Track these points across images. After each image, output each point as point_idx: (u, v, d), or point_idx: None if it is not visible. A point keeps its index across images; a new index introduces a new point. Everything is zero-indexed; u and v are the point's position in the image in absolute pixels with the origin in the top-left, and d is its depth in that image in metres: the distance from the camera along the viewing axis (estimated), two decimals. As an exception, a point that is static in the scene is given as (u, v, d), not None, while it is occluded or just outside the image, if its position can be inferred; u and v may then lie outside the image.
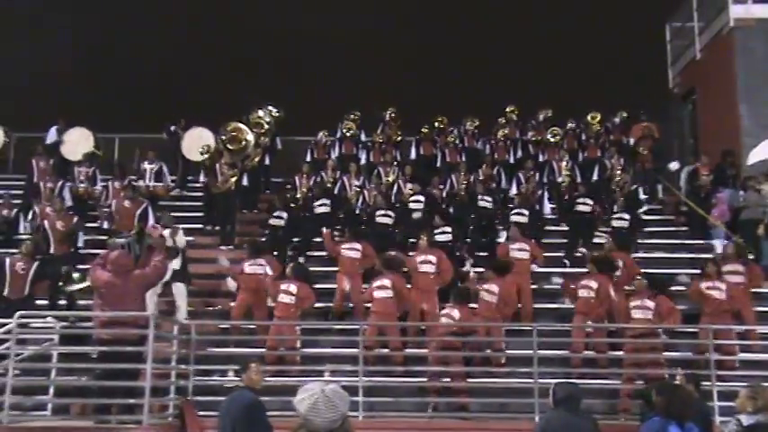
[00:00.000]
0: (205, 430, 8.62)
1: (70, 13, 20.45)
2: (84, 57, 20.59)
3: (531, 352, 9.18)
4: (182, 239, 11.54)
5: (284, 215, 13.30)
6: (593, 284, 10.40)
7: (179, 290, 11.07)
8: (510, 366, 9.83)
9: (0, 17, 19.97)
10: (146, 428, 7.93)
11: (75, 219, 12.59)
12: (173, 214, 14.32)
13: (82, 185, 14.63)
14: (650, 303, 9.93)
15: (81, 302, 10.60)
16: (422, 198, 13.86)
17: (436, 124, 16.66)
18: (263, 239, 13.08)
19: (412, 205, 13.77)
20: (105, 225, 13.33)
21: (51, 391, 8.89)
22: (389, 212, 13.33)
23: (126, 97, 19.47)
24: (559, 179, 14.94)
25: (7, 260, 10.69)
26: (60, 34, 20.39)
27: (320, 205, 13.91)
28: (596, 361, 10.00)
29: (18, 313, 8.69)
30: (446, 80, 21.25)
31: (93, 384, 8.83)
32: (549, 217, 14.38)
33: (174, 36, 20.26)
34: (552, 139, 15.88)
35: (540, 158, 15.99)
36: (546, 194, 14.47)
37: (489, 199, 13.75)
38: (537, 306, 11.51)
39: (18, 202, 13.94)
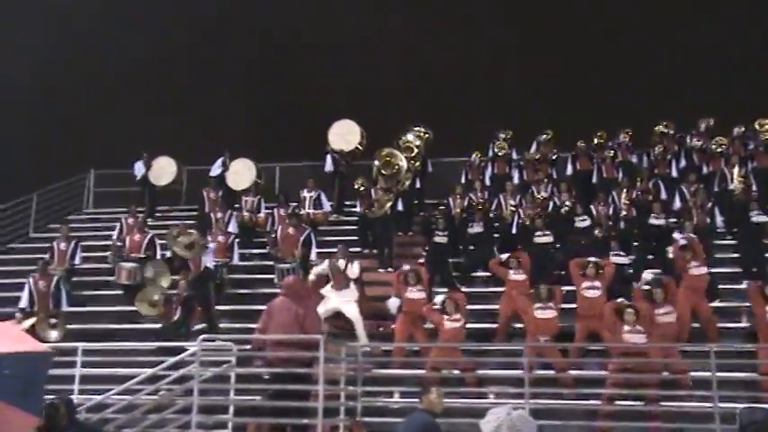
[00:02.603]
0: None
1: (231, 49, 21.77)
2: (244, 88, 21.79)
3: (709, 374, 8.68)
4: (354, 270, 11.96)
5: (446, 233, 13.41)
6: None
7: (354, 316, 11.42)
8: (687, 390, 9.33)
9: (163, 51, 21.54)
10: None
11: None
12: (330, 239, 14.96)
13: (247, 214, 15.50)
14: None
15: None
16: (586, 217, 13.60)
17: (595, 140, 16.17)
18: (425, 257, 13.35)
19: (579, 224, 13.52)
20: (272, 251, 13.96)
21: (231, 410, 9.39)
22: (547, 232, 13.14)
23: (286, 127, 20.39)
24: (731, 186, 14.07)
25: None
26: (219, 65, 21.73)
27: (474, 226, 13.95)
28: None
29: (201, 336, 9.31)
30: (597, 92, 20.65)
31: (266, 404, 9.28)
32: (720, 230, 13.56)
33: (330, 63, 21.03)
34: (717, 149, 14.96)
35: (705, 170, 15.13)
36: (717, 207, 13.59)
37: (662, 216, 13.17)
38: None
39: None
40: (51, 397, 7.69)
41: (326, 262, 12.10)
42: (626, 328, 9.82)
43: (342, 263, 11.94)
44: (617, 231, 12.96)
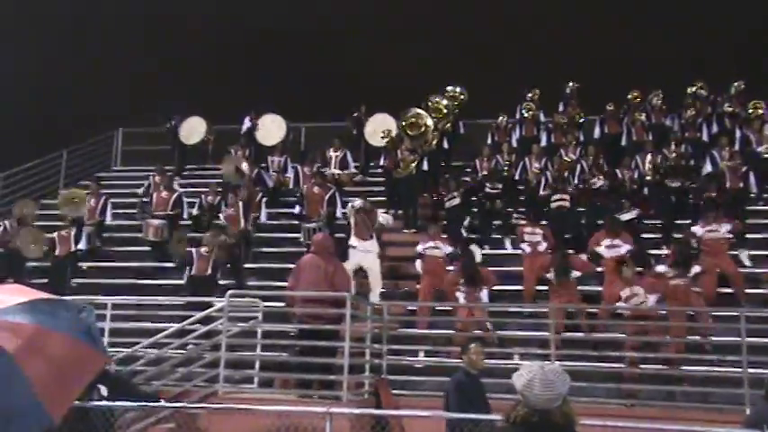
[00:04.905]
0: (399, 408, 8.83)
1: (261, 10, 21.60)
2: (271, 47, 21.64)
3: (739, 339, 8.60)
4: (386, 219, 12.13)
5: (457, 196, 13.32)
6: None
7: (374, 273, 11.43)
8: (716, 354, 9.26)
9: (192, 11, 21.41)
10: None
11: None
12: (355, 199, 14.91)
13: (274, 174, 15.51)
14: None
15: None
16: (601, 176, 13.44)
17: (630, 98, 15.89)
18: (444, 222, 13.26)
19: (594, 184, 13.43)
20: (296, 210, 13.98)
21: (257, 365, 9.49)
22: (564, 195, 13.01)
23: (311, 87, 20.28)
24: (759, 149, 13.80)
25: (194, 250, 11.88)
26: (246, 25, 21.57)
27: (492, 187, 13.83)
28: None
29: (229, 292, 9.39)
30: (627, 55, 20.28)
31: (293, 360, 9.39)
32: (753, 194, 13.37)
33: (358, 25, 20.79)
34: (752, 112, 14.62)
35: (738, 134, 14.84)
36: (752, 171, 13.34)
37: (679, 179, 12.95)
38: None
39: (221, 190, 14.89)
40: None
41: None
42: (625, 293, 9.75)
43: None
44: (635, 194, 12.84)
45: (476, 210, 13.81)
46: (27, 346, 2.75)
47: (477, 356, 6.87)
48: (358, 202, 12.00)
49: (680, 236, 11.61)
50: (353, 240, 11.68)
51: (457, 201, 13.27)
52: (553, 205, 12.92)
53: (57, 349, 2.82)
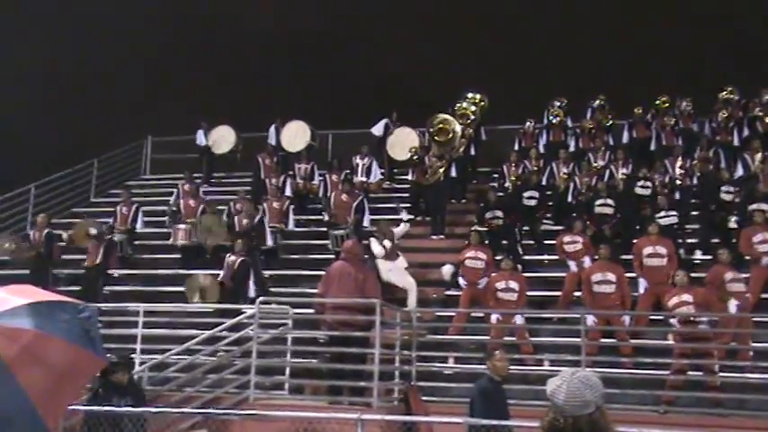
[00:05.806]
0: (429, 414, 8.83)
1: (285, 18, 21.75)
2: (298, 56, 21.79)
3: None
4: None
5: (500, 213, 13.21)
6: None
7: (408, 281, 11.42)
8: (750, 360, 9.14)
9: (218, 22, 21.62)
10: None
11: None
12: (382, 206, 15.00)
13: (301, 181, 15.58)
14: None
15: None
16: (649, 184, 13.30)
17: (658, 103, 15.77)
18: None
19: (639, 191, 13.27)
20: (325, 217, 14.04)
21: (288, 371, 9.54)
22: (609, 201, 12.88)
23: (338, 94, 20.36)
24: None
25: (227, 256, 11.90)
26: (273, 35, 21.73)
27: (529, 198, 13.74)
28: None
29: (259, 299, 9.46)
30: (654, 60, 20.11)
31: (323, 367, 9.43)
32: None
33: (386, 31, 20.85)
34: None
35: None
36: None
37: (732, 189, 12.62)
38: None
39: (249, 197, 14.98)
40: (109, 356, 7.96)
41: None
42: (674, 300, 9.56)
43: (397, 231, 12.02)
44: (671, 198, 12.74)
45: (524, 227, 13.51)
46: (24, 352, 2.77)
47: (501, 363, 6.86)
48: (387, 243, 11.82)
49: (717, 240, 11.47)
50: (382, 263, 11.57)
51: (500, 221, 13.15)
52: (597, 210, 12.77)
53: (54, 355, 2.84)
